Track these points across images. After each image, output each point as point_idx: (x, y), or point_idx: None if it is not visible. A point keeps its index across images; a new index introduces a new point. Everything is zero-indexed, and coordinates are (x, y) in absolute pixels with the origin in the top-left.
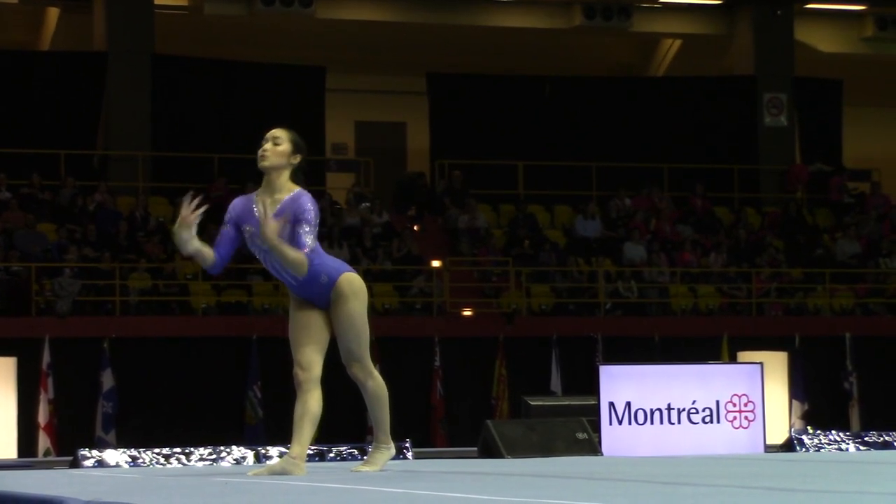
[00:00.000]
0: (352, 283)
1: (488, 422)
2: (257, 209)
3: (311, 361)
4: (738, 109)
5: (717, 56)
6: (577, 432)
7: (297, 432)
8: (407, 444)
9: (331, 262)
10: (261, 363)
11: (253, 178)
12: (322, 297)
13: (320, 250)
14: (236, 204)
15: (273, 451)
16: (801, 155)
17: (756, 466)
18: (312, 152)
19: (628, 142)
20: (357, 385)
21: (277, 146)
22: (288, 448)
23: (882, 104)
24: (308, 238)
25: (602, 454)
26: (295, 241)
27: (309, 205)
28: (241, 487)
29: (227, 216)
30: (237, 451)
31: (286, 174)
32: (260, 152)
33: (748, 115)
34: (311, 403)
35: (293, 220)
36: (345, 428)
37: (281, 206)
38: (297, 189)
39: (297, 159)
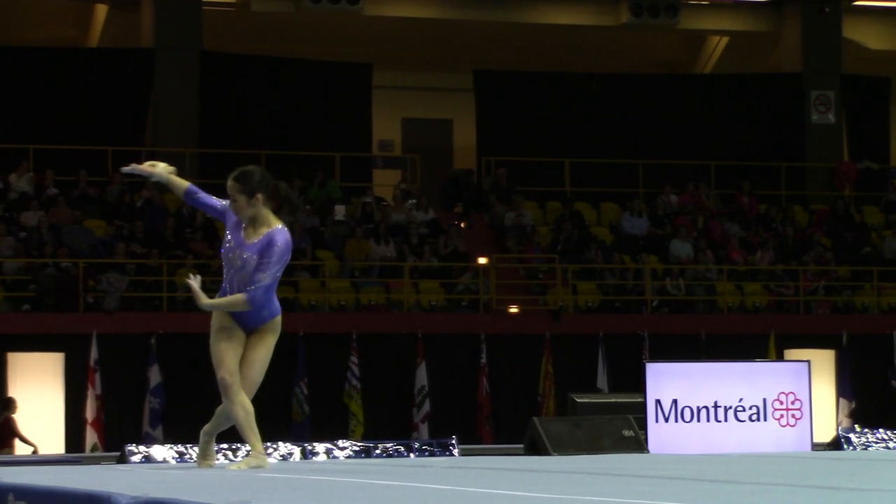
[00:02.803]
0: (280, 325)
1: (535, 419)
2: (243, 232)
3: (236, 368)
4: (786, 107)
5: (764, 53)
6: (624, 430)
7: (250, 431)
8: (453, 441)
9: (276, 302)
10: (307, 360)
11: (299, 174)
12: (252, 323)
13: (274, 288)
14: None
15: (320, 447)
16: (849, 152)
17: (803, 465)
18: (359, 149)
19: (675, 139)
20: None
21: (236, 202)
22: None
23: None
24: (263, 276)
25: (648, 451)
26: (252, 274)
27: (276, 246)
28: (289, 483)
29: (223, 206)
30: (284, 447)
31: (262, 212)
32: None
33: (796, 112)
34: (248, 402)
35: (259, 255)
36: (388, 426)
37: (259, 241)
38: (276, 226)
39: (258, 200)
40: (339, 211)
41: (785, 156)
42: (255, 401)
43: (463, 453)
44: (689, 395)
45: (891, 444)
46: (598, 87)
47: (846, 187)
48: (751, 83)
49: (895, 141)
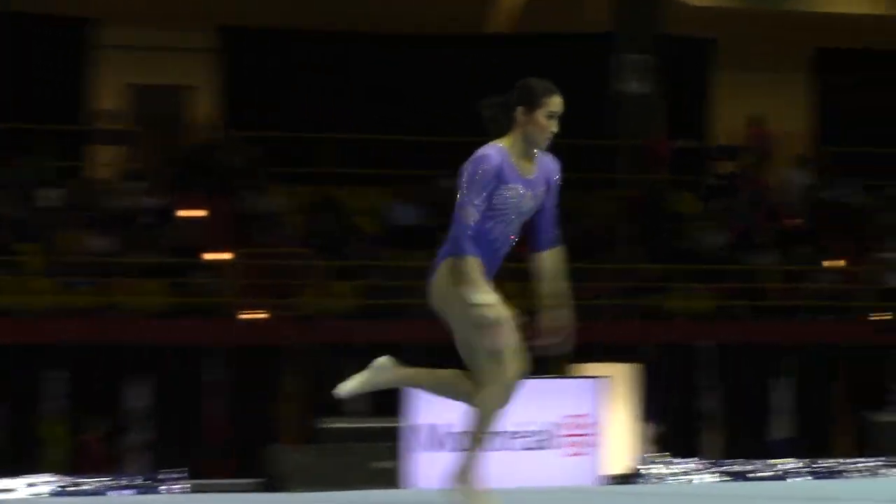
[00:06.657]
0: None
1: (274, 447)
2: (519, 170)
3: None
4: (591, 73)
5: (567, 9)
6: (376, 461)
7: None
8: (179, 474)
9: None
10: None
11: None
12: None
13: None
14: (494, 157)
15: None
16: (666, 127)
17: (590, 502)
18: (71, 121)
19: (455, 112)
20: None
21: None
22: None
23: (759, 68)
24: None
25: (404, 487)
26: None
27: None
28: None
29: (490, 174)
30: None
31: None
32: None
33: (602, 79)
34: None
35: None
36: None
37: (540, 170)
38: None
39: None
40: (46, 195)
41: (588, 132)
42: None
43: (194, 490)
44: (453, 418)
45: (699, 477)
46: (366, 50)
47: (659, 169)
48: (550, 44)
49: (719, 114)
